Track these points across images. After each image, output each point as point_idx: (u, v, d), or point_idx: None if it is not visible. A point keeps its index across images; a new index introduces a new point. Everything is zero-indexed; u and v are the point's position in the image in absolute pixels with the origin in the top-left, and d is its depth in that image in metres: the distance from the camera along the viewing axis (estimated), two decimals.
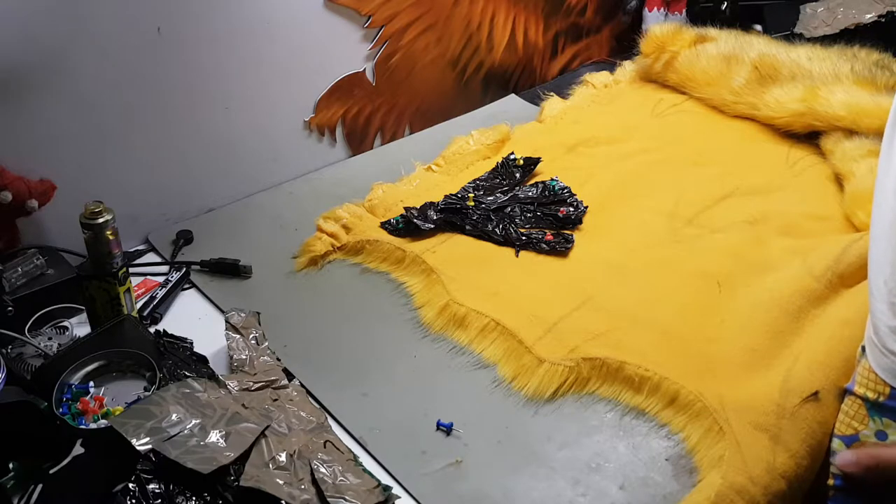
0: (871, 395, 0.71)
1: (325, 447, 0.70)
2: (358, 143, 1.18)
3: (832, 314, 0.83)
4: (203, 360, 0.79)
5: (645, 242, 0.95)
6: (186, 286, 0.92)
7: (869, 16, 1.28)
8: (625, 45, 1.45)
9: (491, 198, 1.00)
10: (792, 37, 1.31)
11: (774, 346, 0.81)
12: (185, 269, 0.92)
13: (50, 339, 0.81)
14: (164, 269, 0.94)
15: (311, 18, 1.04)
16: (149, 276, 0.93)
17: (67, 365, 0.74)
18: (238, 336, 0.80)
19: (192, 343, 0.80)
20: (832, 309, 0.84)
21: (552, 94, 1.27)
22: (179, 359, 0.76)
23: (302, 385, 0.78)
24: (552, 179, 1.03)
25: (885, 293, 0.68)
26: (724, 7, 1.35)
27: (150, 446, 0.63)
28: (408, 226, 0.96)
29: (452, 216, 0.97)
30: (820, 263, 0.86)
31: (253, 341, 0.80)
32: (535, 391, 0.77)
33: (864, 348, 0.73)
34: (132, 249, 0.97)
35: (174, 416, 0.66)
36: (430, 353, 0.82)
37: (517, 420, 0.76)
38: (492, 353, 0.81)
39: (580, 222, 0.99)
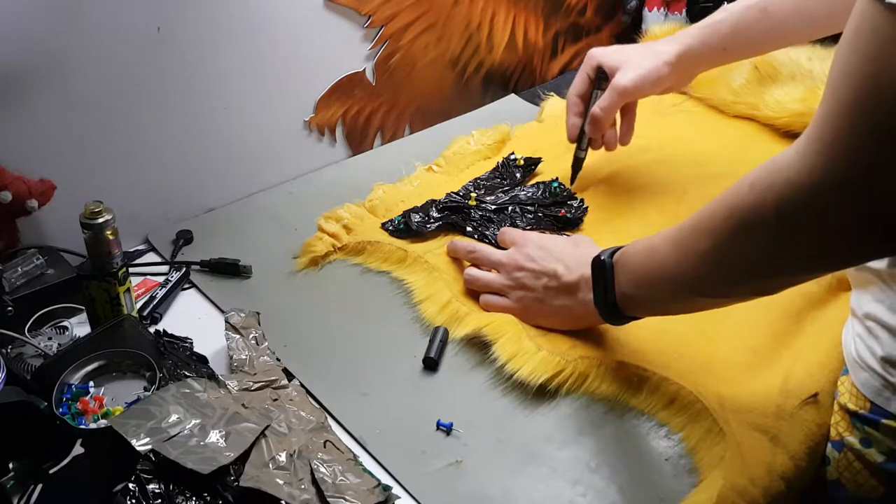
0: (852, 406, 0.72)
1: (325, 447, 0.70)
2: (358, 143, 1.18)
3: (832, 316, 0.83)
4: (203, 360, 0.79)
5: None
6: (186, 286, 0.92)
7: None
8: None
9: (491, 198, 1.00)
10: None
11: (774, 347, 0.81)
12: (185, 269, 0.92)
13: (50, 339, 0.81)
14: (164, 268, 0.94)
15: (311, 18, 1.04)
16: (149, 276, 0.93)
17: (67, 365, 0.74)
18: (238, 336, 0.80)
19: (192, 343, 0.80)
20: (832, 311, 0.84)
21: (552, 94, 1.27)
22: (179, 359, 0.76)
23: (302, 385, 0.78)
24: (553, 180, 1.03)
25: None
26: None
27: (150, 446, 0.63)
28: (409, 226, 0.96)
29: (454, 215, 0.97)
30: None
31: (253, 341, 0.80)
32: (529, 374, 0.77)
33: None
34: (132, 249, 0.97)
35: (174, 417, 0.66)
36: None
37: (517, 420, 0.76)
38: (493, 330, 0.81)
39: (580, 222, 0.98)
